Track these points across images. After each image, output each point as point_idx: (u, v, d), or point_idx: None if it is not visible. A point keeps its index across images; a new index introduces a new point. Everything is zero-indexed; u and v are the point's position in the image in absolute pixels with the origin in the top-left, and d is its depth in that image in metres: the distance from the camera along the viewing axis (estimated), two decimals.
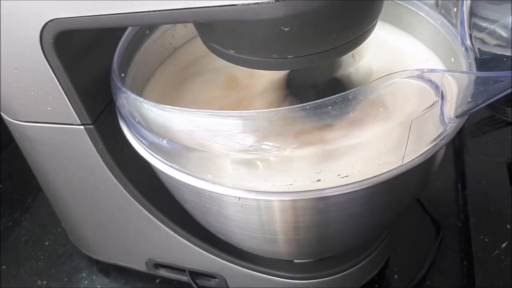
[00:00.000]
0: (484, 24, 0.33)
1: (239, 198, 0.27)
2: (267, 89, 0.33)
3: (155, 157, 0.29)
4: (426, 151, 0.26)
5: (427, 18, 0.35)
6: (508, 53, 0.30)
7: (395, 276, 0.44)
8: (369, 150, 0.25)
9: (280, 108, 0.24)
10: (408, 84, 0.23)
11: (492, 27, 0.33)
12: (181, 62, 0.39)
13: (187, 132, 0.26)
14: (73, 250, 0.50)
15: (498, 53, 0.31)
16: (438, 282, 0.43)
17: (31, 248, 0.51)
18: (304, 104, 0.23)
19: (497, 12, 0.35)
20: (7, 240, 0.52)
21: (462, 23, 0.31)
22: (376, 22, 0.27)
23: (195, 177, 0.27)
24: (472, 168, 0.50)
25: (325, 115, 0.24)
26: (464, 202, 0.48)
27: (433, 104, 0.24)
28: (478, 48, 0.31)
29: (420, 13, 0.35)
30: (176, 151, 0.27)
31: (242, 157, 0.26)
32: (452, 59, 0.33)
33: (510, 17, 0.32)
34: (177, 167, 0.28)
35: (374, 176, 0.25)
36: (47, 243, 0.51)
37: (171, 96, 0.36)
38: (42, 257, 0.50)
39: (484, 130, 0.54)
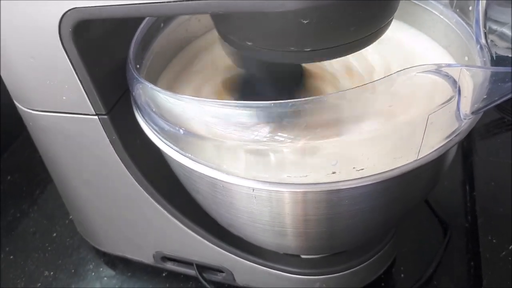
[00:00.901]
0: (495, 27, 0.33)
1: (253, 189, 0.27)
2: None
3: (170, 147, 0.29)
4: (441, 146, 0.26)
5: (441, 17, 0.35)
6: None
7: (402, 275, 0.44)
8: (385, 143, 0.25)
9: (296, 100, 0.24)
10: (425, 79, 0.24)
11: (502, 29, 0.33)
12: (194, 56, 0.39)
13: (203, 122, 0.26)
14: (80, 242, 0.50)
15: (508, 55, 0.31)
16: (445, 282, 0.43)
17: (38, 239, 0.51)
18: (321, 96, 0.23)
19: (507, 15, 0.35)
20: (15, 231, 0.52)
21: (477, 21, 0.31)
22: (393, 17, 0.27)
23: (210, 167, 0.27)
24: (481, 170, 0.50)
25: (342, 107, 0.24)
26: (472, 203, 0.48)
27: (450, 99, 0.24)
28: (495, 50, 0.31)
29: (435, 12, 0.35)
30: (191, 141, 0.27)
31: (257, 147, 0.26)
32: (466, 58, 0.33)
33: None
34: (191, 156, 0.28)
35: (390, 170, 0.25)
36: (54, 234, 0.52)
37: (184, 89, 0.36)
38: (49, 249, 0.50)
39: (494, 132, 0.54)
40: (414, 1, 0.37)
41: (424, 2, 0.36)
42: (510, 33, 0.34)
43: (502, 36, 0.34)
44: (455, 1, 0.34)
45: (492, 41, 0.31)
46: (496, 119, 0.55)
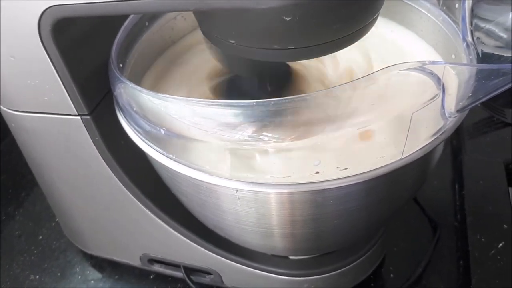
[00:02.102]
0: (483, 25, 0.33)
1: (237, 190, 0.26)
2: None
3: (152, 148, 0.28)
4: (426, 145, 0.26)
5: (428, 14, 0.35)
6: (504, 53, 0.30)
7: (391, 275, 0.44)
8: (368, 142, 0.25)
9: (279, 98, 0.23)
10: (409, 76, 0.23)
11: (489, 26, 0.33)
12: (180, 55, 0.39)
13: (185, 122, 0.26)
14: (67, 244, 0.50)
15: (496, 53, 0.31)
16: (434, 282, 0.43)
17: (24, 242, 0.51)
18: (304, 94, 0.23)
19: (496, 12, 0.34)
20: (1, 234, 0.52)
21: (463, 19, 0.31)
22: (378, 15, 0.27)
23: (192, 168, 0.27)
24: (470, 168, 0.50)
25: (325, 105, 0.23)
26: (461, 202, 0.48)
27: (434, 97, 0.24)
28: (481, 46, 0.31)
29: (421, 10, 0.35)
30: (174, 141, 0.27)
31: (241, 147, 0.25)
32: (453, 56, 0.32)
33: (507, 16, 0.32)
34: (174, 157, 0.27)
35: (374, 169, 0.25)
36: (40, 237, 0.51)
37: (168, 88, 0.36)
38: (35, 252, 0.50)
39: (483, 131, 0.54)
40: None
41: (411, 0, 0.36)
42: (497, 31, 0.33)
43: (489, 33, 0.33)
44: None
45: (478, 38, 0.31)
46: (485, 117, 0.55)
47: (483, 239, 0.44)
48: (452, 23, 0.33)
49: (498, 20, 0.32)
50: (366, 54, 0.35)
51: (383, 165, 0.25)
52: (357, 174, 0.25)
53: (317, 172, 0.25)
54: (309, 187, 0.25)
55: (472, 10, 0.32)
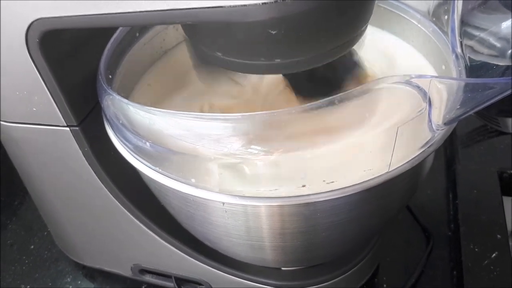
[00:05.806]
0: (476, 33, 0.33)
1: (223, 203, 0.26)
2: (260, 91, 0.33)
3: (140, 161, 0.28)
4: (413, 158, 0.26)
5: (419, 25, 0.35)
6: (498, 62, 0.30)
7: (384, 285, 0.44)
8: (354, 156, 0.25)
9: (266, 112, 0.23)
10: (396, 90, 0.23)
11: (483, 35, 0.33)
12: (172, 65, 0.39)
13: (172, 135, 0.26)
14: (58, 254, 0.49)
15: (489, 62, 0.31)
16: None
17: (16, 251, 0.50)
18: (290, 108, 0.23)
19: (490, 21, 0.35)
20: None
21: (453, 30, 0.31)
22: (366, 27, 0.27)
23: (179, 181, 0.27)
24: (463, 177, 0.50)
25: (311, 119, 0.23)
26: (455, 212, 0.48)
27: (420, 111, 0.24)
28: (469, 56, 0.31)
29: (412, 21, 0.35)
30: (161, 154, 0.27)
31: (228, 161, 0.25)
32: (443, 67, 0.32)
33: (501, 25, 0.32)
34: (161, 171, 0.27)
35: (360, 183, 0.25)
36: (32, 246, 0.51)
37: (160, 98, 0.35)
38: (26, 261, 0.49)
39: (476, 140, 0.54)
40: (393, 10, 0.37)
41: (402, 11, 0.36)
42: (490, 39, 0.33)
43: (482, 42, 0.34)
44: (431, 10, 0.34)
45: (469, 46, 0.31)
46: (479, 126, 0.55)
47: (476, 249, 0.43)
48: (442, 34, 0.33)
49: (491, 29, 0.32)
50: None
51: (369, 178, 0.25)
52: (343, 188, 0.25)
53: (303, 186, 0.25)
54: (295, 201, 0.25)
55: (461, 21, 0.32)
